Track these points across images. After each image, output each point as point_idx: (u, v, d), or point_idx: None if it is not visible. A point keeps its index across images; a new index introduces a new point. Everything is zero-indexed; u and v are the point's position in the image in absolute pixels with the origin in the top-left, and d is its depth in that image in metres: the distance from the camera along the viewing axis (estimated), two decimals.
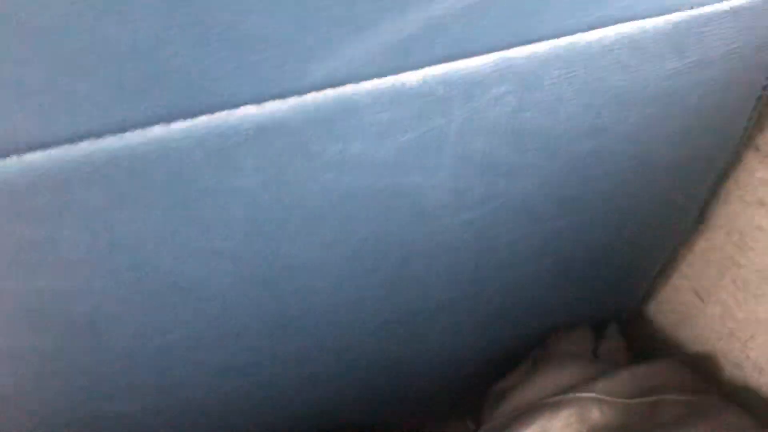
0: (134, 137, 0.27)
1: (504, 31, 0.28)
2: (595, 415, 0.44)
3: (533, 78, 0.31)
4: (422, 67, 0.29)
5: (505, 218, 0.41)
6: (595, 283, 0.51)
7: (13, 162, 0.26)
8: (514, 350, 0.55)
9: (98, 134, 0.26)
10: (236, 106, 0.27)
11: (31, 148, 0.26)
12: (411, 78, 0.29)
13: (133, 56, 0.24)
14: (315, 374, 0.49)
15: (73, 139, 0.26)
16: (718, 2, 0.31)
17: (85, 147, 0.26)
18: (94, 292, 0.35)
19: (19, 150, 0.26)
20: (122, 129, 0.26)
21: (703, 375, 0.50)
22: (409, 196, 0.36)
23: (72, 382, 0.41)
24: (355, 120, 0.30)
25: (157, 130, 0.27)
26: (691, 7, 0.31)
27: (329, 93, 0.28)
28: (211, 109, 0.27)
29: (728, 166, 0.45)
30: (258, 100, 0.27)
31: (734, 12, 0.32)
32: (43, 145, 0.26)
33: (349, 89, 0.28)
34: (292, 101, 0.28)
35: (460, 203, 0.38)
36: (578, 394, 0.46)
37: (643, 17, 0.30)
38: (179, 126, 0.27)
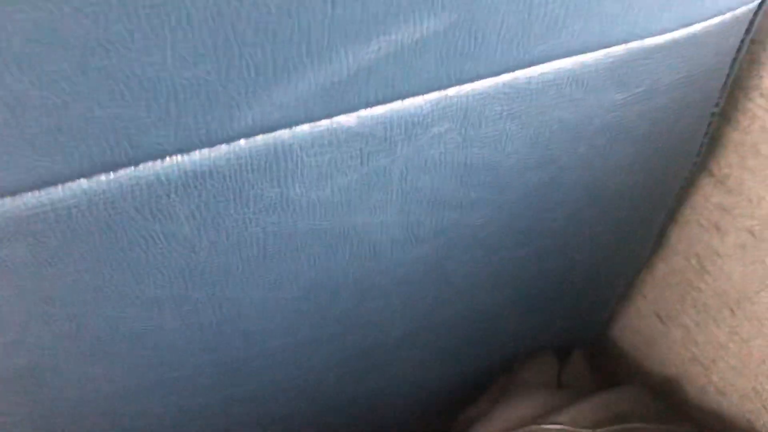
0: (55, 192, 0.25)
1: (440, 71, 0.28)
2: None
3: (475, 115, 0.31)
4: (358, 109, 0.28)
5: (459, 251, 0.40)
6: (556, 310, 0.51)
7: None
8: (478, 379, 0.54)
9: (14, 191, 0.25)
10: (161, 156, 0.26)
11: None
12: (348, 120, 0.28)
13: (46, 112, 0.23)
14: (273, 415, 0.47)
15: None
16: (657, 35, 0.31)
17: (2, 204, 0.25)
18: (31, 345, 0.34)
19: None
20: (41, 185, 0.25)
21: (668, 400, 0.49)
22: (358, 235, 0.35)
23: None
24: (292, 164, 0.29)
25: (80, 184, 0.26)
26: (630, 41, 0.31)
27: (260, 139, 0.27)
28: (135, 161, 0.26)
29: (683, 191, 0.45)
30: (184, 149, 0.26)
31: (675, 44, 0.32)
32: None
33: (282, 134, 0.27)
34: (222, 148, 0.27)
35: (411, 239, 0.37)
36: (543, 426, 0.45)
37: (582, 52, 0.30)
38: (103, 179, 0.26)
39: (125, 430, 0.44)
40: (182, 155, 0.26)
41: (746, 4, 0.33)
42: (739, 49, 0.36)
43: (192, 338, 0.37)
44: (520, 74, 0.30)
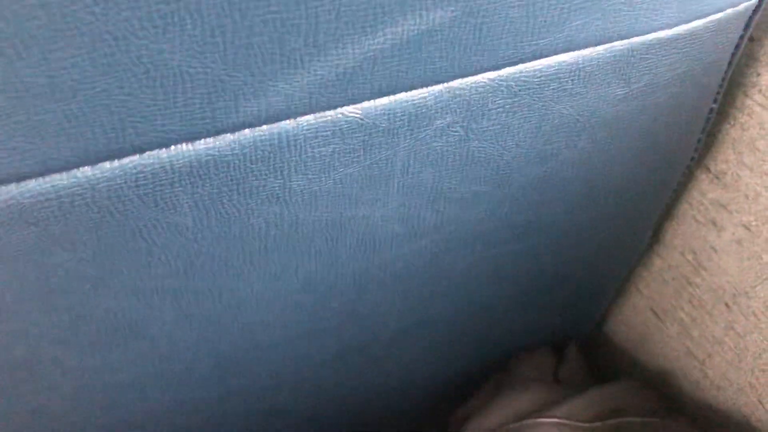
0: (59, 179, 0.25)
1: (444, 63, 0.28)
2: None
3: (478, 108, 0.31)
4: (363, 101, 0.28)
5: (458, 245, 0.40)
6: (552, 305, 0.51)
7: None
8: (474, 374, 0.54)
9: (19, 178, 0.25)
10: (167, 145, 0.26)
11: None
12: (352, 112, 0.28)
13: (52, 98, 0.23)
14: (271, 408, 0.47)
15: None
16: (658, 31, 0.31)
17: (7, 191, 0.25)
18: (31, 334, 0.34)
19: None
20: (45, 172, 0.25)
21: (663, 395, 0.50)
22: (358, 228, 0.35)
23: (10, 428, 0.39)
24: (295, 155, 0.29)
25: (84, 172, 0.26)
26: (632, 36, 0.31)
27: (265, 129, 0.27)
28: (140, 149, 0.26)
29: (680, 187, 0.45)
30: (190, 138, 0.26)
31: (676, 39, 0.32)
32: None
33: (286, 124, 0.27)
34: (227, 138, 0.27)
35: (411, 232, 0.38)
36: (539, 420, 0.46)
37: (585, 47, 0.30)
38: (107, 166, 0.26)
39: (122, 422, 0.44)
40: (187, 144, 0.26)
41: (746, 0, 0.33)
42: (737, 46, 0.36)
43: (191, 330, 0.37)
44: (524, 68, 0.30)
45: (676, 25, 0.32)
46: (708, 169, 0.43)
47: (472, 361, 0.53)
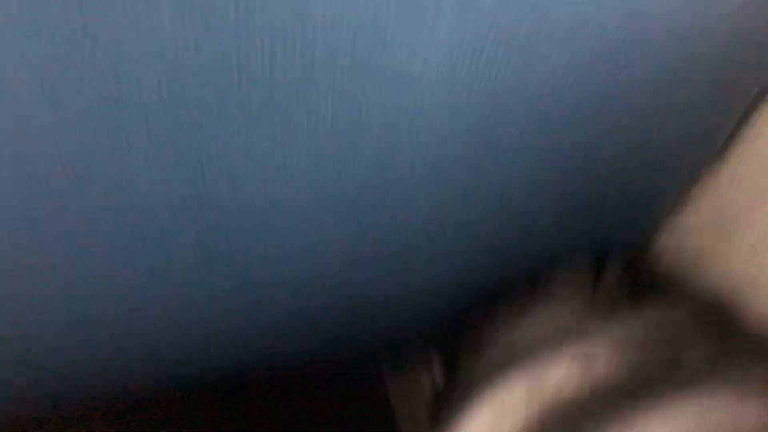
0: None
1: None
2: (600, 369, 0.37)
3: None
4: None
5: (507, 113, 0.32)
6: (600, 209, 0.44)
7: None
8: (503, 286, 0.47)
9: None
10: None
11: None
12: None
13: None
14: (265, 312, 0.41)
15: None
16: None
17: None
18: None
19: None
20: None
21: (726, 324, 0.43)
22: (389, 84, 0.28)
23: None
24: None
25: None
26: None
27: None
28: None
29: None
30: None
31: None
32: None
33: None
34: None
35: (454, 99, 0.30)
36: (582, 340, 0.39)
37: None
38: None
39: (86, 315, 0.37)
40: None
41: None
42: None
43: (166, 190, 0.29)
44: None
45: None
46: None
47: (501, 273, 0.46)
